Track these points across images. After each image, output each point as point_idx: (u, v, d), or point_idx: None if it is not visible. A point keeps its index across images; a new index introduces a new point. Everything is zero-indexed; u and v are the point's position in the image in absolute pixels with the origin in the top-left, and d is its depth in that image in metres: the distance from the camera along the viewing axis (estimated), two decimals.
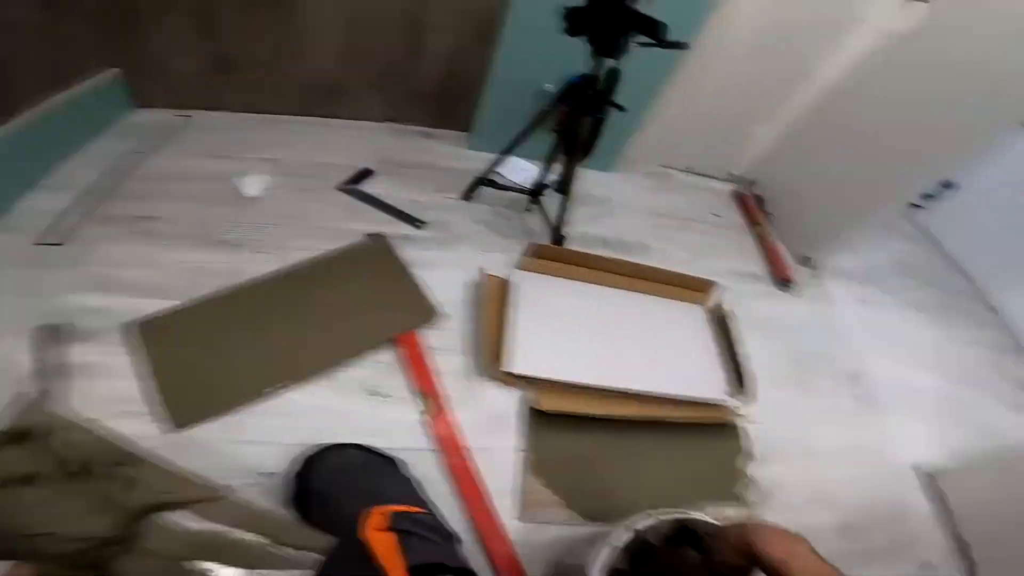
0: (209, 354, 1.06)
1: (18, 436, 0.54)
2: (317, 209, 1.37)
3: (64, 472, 0.54)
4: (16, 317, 1.07)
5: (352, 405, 1.03)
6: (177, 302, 1.12)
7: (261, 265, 1.22)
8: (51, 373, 0.98)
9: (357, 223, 1.35)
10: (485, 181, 1.47)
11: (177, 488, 0.58)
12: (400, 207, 1.42)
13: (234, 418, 0.98)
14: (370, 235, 1.32)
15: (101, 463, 0.56)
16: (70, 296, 1.12)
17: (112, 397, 0.98)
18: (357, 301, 1.17)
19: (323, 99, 1.65)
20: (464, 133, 1.72)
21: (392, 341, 1.11)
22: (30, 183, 1.34)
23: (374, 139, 1.65)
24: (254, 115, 1.65)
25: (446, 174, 1.57)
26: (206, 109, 1.66)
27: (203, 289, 1.15)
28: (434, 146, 1.68)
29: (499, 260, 1.31)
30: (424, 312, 1.17)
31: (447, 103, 1.67)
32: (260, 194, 1.37)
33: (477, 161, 1.56)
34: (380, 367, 1.08)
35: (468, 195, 1.51)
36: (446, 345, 1.14)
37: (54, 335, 1.04)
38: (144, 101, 1.66)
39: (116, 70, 1.55)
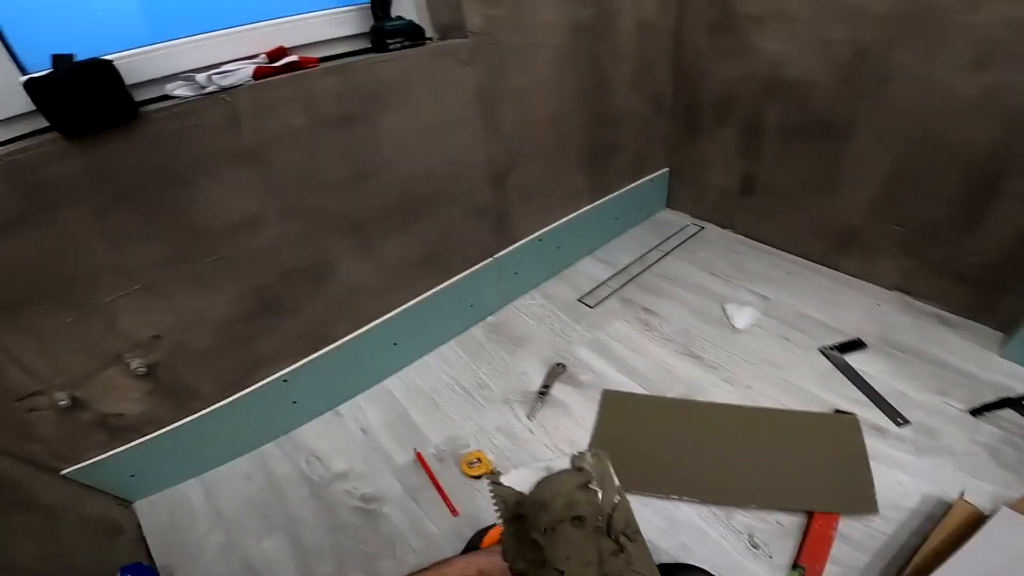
0: (643, 440, 1.26)
1: (582, 478, 0.68)
2: (793, 363, 1.42)
3: (595, 523, 0.66)
4: (544, 345, 1.55)
5: (728, 543, 1.06)
6: (643, 390, 1.39)
7: (723, 393, 1.36)
8: (543, 396, 1.38)
9: (828, 393, 1.33)
10: (1017, 403, 1.22)
11: (646, 572, 0.66)
12: (884, 394, 1.30)
13: (631, 500, 1.13)
14: (840, 412, 1.28)
15: (616, 527, 0.66)
16: (581, 348, 1.52)
17: (560, 433, 1.30)
18: (796, 463, 1.18)
19: (832, 246, 1.67)
20: (999, 333, 1.43)
21: (808, 512, 1.09)
22: (590, 250, 1.89)
23: (876, 307, 1.57)
24: (756, 243, 1.83)
25: (956, 376, 1.34)
26: (717, 224, 1.94)
27: (667, 389, 1.38)
28: (950, 338, 1.45)
29: (984, 490, 1.10)
30: (859, 503, 1.09)
31: (990, 289, 1.40)
32: (745, 328, 1.52)
33: (1007, 374, 1.30)
34: (776, 527, 1.08)
35: (981, 411, 1.24)
36: (858, 539, 1.04)
37: (559, 372, 1.45)
38: (673, 202, 2.06)
39: (666, 169, 1.98)
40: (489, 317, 1.67)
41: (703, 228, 1.94)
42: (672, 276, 1.75)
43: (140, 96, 0.95)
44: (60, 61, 0.82)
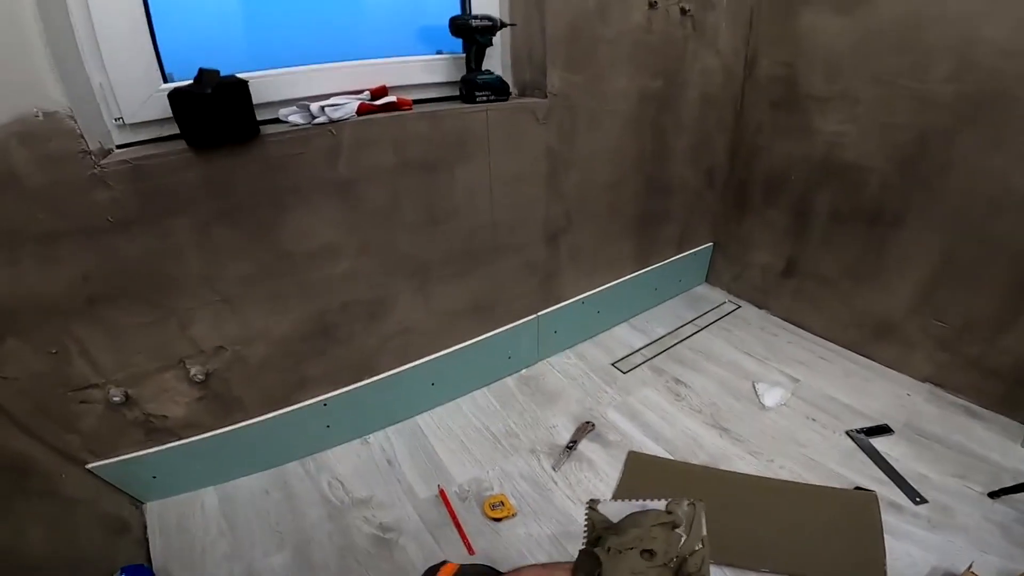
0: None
1: (669, 519, 0.75)
2: (817, 443, 1.46)
3: (666, 561, 0.71)
4: (574, 403, 1.60)
5: None
6: (668, 454, 1.43)
7: (746, 465, 1.40)
8: (570, 451, 1.42)
9: (850, 472, 1.37)
10: None
11: None
12: (905, 475, 1.34)
13: None
14: (860, 488, 1.32)
15: (687, 569, 0.71)
16: (610, 410, 1.58)
17: (584, 487, 1.33)
18: (812, 533, 1.22)
19: (868, 335, 1.73)
20: None
21: None
22: (627, 317, 1.97)
23: (905, 397, 1.61)
24: (792, 327, 1.90)
25: (977, 462, 1.39)
26: (755, 304, 2.01)
27: (691, 456, 1.42)
28: (976, 428, 1.49)
29: (992, 564, 1.15)
30: (868, 572, 1.13)
31: (1021, 385, 1.45)
32: (773, 407, 1.57)
33: None
34: None
35: (1000, 493, 1.30)
36: None
37: (588, 429, 1.49)
38: (713, 278, 2.15)
39: (711, 244, 2.07)
40: (524, 370, 1.74)
41: (740, 307, 2.02)
42: (706, 351, 1.81)
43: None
44: (206, 75, 0.90)
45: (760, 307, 2.00)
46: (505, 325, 1.61)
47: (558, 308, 1.71)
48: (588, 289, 1.77)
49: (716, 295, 2.10)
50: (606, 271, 1.81)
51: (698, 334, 1.89)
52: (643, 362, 1.76)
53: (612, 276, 1.83)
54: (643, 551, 0.72)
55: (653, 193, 1.77)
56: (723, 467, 1.39)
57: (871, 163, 1.56)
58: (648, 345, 1.84)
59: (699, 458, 1.42)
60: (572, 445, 1.44)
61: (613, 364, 1.75)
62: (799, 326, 1.89)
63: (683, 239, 1.98)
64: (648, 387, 1.66)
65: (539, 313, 1.67)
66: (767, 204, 1.85)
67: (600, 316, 1.86)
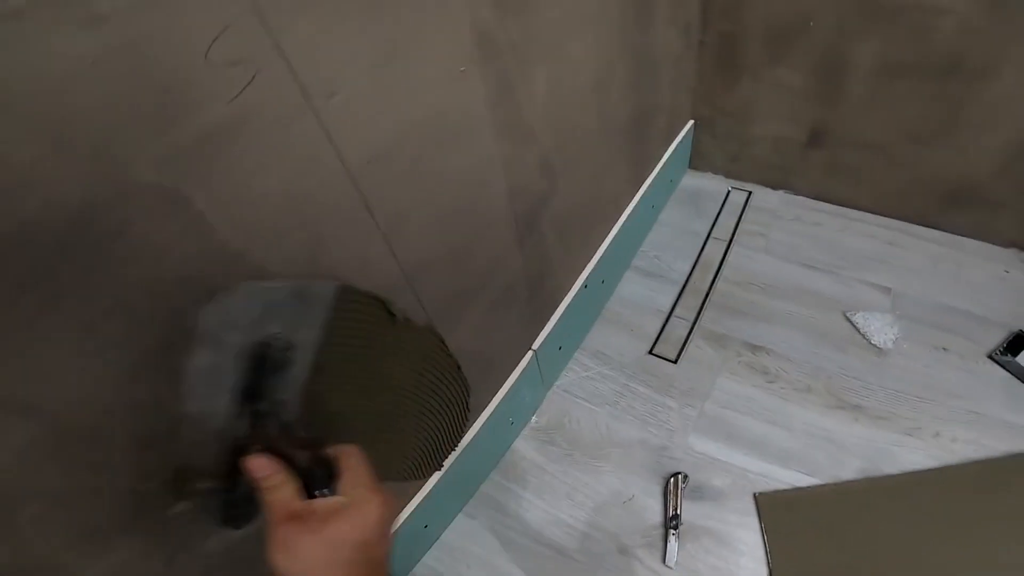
0: (835, 551, 0.94)
1: None
2: (969, 385, 1.10)
3: None
4: (635, 445, 1.07)
5: None
6: (808, 478, 1.01)
7: (911, 451, 1.02)
8: (676, 529, 0.95)
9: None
10: None
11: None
12: None
13: None
14: None
15: None
16: (692, 436, 1.08)
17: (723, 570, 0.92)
18: None
19: (936, 204, 1.33)
20: None
21: None
22: (627, 262, 1.37)
23: (1004, 275, 1.26)
24: (831, 206, 1.44)
25: None
26: (767, 185, 1.51)
27: (840, 467, 1.02)
28: None
29: None
30: None
31: None
32: (890, 346, 1.14)
33: None
34: None
35: None
36: None
37: (682, 485, 0.99)
38: (697, 162, 1.58)
39: (691, 123, 1.47)
40: (534, 418, 1.14)
41: (751, 193, 1.50)
42: (755, 279, 1.32)
43: None
44: None
45: (776, 188, 1.50)
46: (489, 404, 0.96)
47: (556, 320, 1.07)
48: (588, 262, 1.14)
49: (713, 184, 1.55)
50: (604, 222, 1.18)
51: (730, 254, 1.37)
52: (690, 332, 1.23)
53: (611, 222, 1.20)
54: None
55: (644, 74, 1.09)
56: (887, 468, 1.01)
57: (943, 2, 1.05)
58: (679, 297, 1.29)
59: (851, 467, 1.02)
60: (675, 520, 0.95)
61: (651, 352, 1.21)
62: (840, 203, 1.44)
63: (670, 127, 1.37)
64: (721, 374, 1.16)
65: (534, 346, 1.03)
66: (773, 62, 1.28)
67: (605, 285, 1.26)
